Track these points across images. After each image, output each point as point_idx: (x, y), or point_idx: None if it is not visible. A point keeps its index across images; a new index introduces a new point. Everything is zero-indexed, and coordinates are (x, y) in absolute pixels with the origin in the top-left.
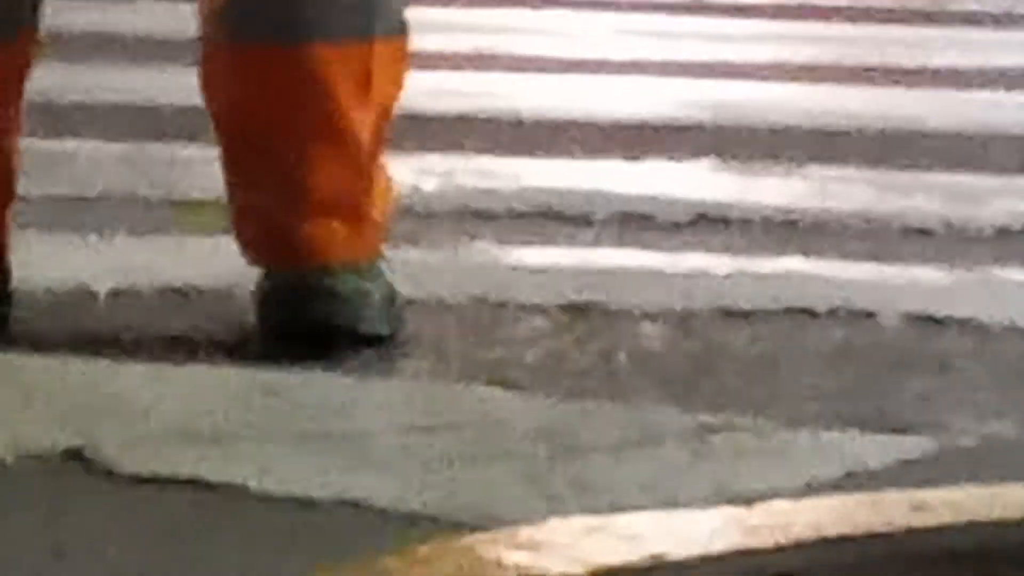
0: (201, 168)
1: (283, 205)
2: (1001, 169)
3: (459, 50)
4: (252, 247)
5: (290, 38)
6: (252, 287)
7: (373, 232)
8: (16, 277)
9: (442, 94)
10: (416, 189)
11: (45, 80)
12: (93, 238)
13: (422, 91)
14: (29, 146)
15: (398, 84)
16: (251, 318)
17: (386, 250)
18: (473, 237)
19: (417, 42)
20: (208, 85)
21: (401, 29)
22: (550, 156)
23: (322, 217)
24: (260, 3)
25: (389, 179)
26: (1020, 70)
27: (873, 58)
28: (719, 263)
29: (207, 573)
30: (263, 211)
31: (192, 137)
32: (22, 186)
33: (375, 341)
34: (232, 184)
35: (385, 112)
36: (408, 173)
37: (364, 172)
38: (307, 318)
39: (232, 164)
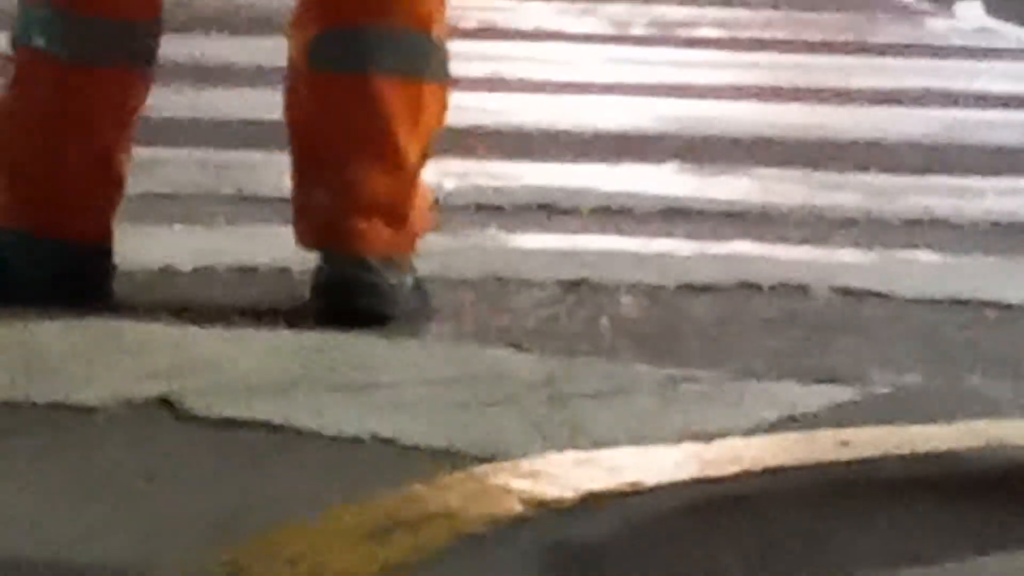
0: (264, 170)
1: (339, 204)
2: (910, 170)
3: (474, 75)
4: (309, 236)
5: (360, 69)
6: (307, 268)
7: (410, 233)
8: (118, 258)
9: (459, 110)
10: (439, 188)
11: None
12: (178, 227)
13: None
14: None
15: (440, 120)
16: (305, 292)
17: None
18: (484, 226)
19: None
20: (291, 105)
21: (446, 78)
22: (546, 161)
23: (370, 217)
24: (340, 42)
25: (428, 192)
26: (922, 90)
27: (806, 81)
28: (683, 247)
29: (271, 497)
30: (322, 208)
31: (257, 145)
32: None
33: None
34: (299, 184)
35: (428, 140)
36: (433, 175)
37: (408, 185)
38: (352, 307)
39: (301, 168)
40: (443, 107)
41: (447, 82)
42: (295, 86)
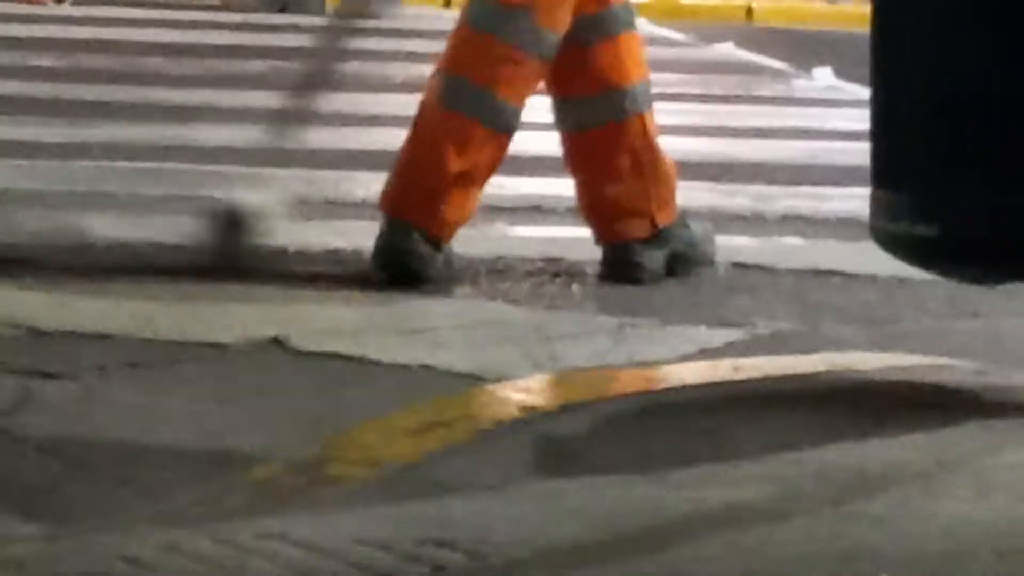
0: (347, 183)
1: (600, 206)
2: (783, 182)
3: None
4: (596, 231)
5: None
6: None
7: (653, 214)
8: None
9: None
10: None
11: None
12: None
13: None
14: None
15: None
16: (369, 268)
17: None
18: (493, 221)
19: None
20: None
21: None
22: (534, 176)
23: (625, 217)
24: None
25: (668, 167)
26: (791, 128)
27: (712, 122)
28: None
29: (348, 406)
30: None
31: (332, 167)
32: None
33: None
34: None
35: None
36: None
37: (648, 190)
38: (625, 276)
39: (578, 183)
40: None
41: (648, 112)
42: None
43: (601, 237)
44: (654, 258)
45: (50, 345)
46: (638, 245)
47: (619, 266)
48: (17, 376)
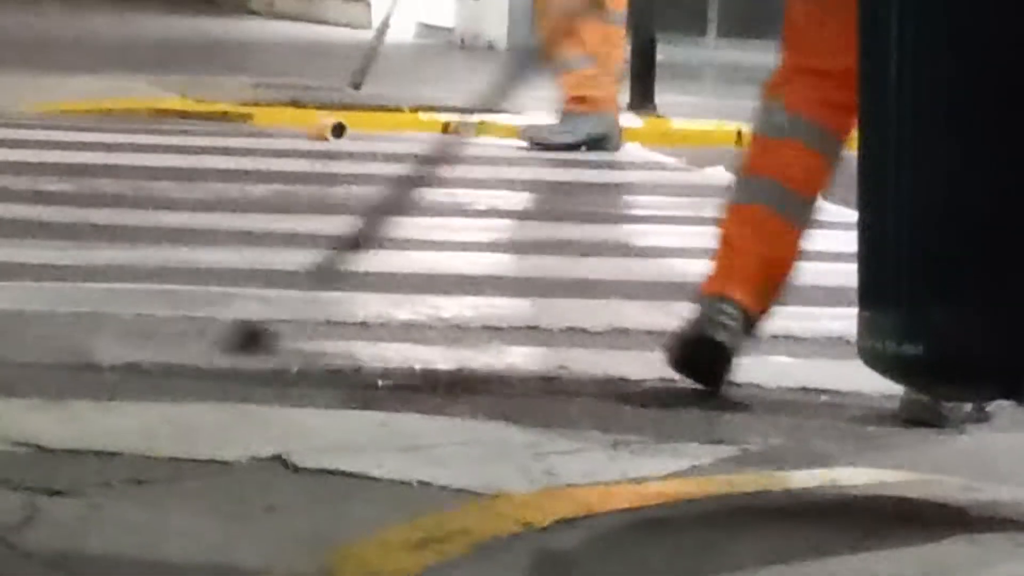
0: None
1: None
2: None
3: (485, 239)
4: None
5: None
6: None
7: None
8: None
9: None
10: (460, 315)
11: None
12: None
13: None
14: None
15: None
16: (366, 381)
17: None
18: (489, 341)
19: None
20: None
21: None
22: (530, 296)
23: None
24: None
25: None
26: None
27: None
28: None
29: (349, 521)
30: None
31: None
32: None
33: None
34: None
35: None
36: (458, 307)
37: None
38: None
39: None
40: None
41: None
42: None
43: None
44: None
45: (56, 462)
46: None
47: None
48: (24, 493)
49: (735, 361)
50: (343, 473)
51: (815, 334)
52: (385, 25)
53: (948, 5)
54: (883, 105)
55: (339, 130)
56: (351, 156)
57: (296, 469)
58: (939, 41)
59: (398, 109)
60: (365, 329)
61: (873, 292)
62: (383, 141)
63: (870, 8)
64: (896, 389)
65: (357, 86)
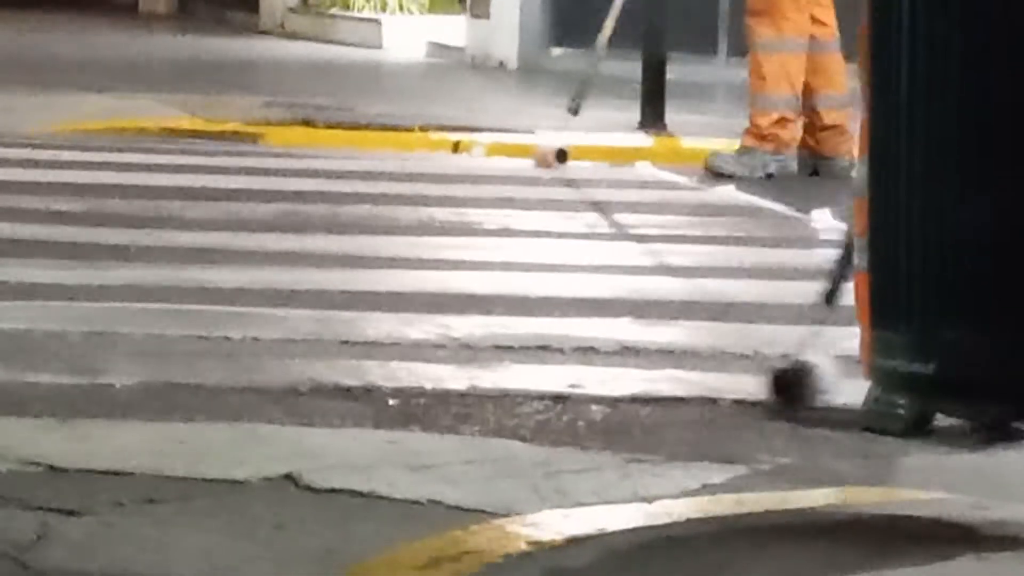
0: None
1: None
2: (788, 321)
3: (495, 260)
4: None
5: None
6: (380, 385)
7: None
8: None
9: (484, 282)
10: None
11: None
12: (299, 359)
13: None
14: None
15: None
16: (387, 401)
17: None
18: (501, 360)
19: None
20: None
21: None
22: (541, 316)
23: None
24: None
25: None
26: (802, 268)
27: (713, 262)
28: (631, 373)
29: (360, 540)
30: None
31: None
32: None
33: None
34: None
35: None
36: (469, 326)
37: None
38: None
39: None
40: None
41: None
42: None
43: None
44: None
45: (69, 482)
46: None
47: None
48: (37, 512)
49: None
50: (353, 492)
51: (824, 353)
52: (603, 48)
53: (957, 30)
54: (894, 125)
55: (563, 156)
56: (361, 175)
57: (307, 488)
58: (949, 66)
59: (408, 128)
60: (376, 348)
61: (884, 311)
62: (393, 160)
63: (879, 38)
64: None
65: (575, 111)
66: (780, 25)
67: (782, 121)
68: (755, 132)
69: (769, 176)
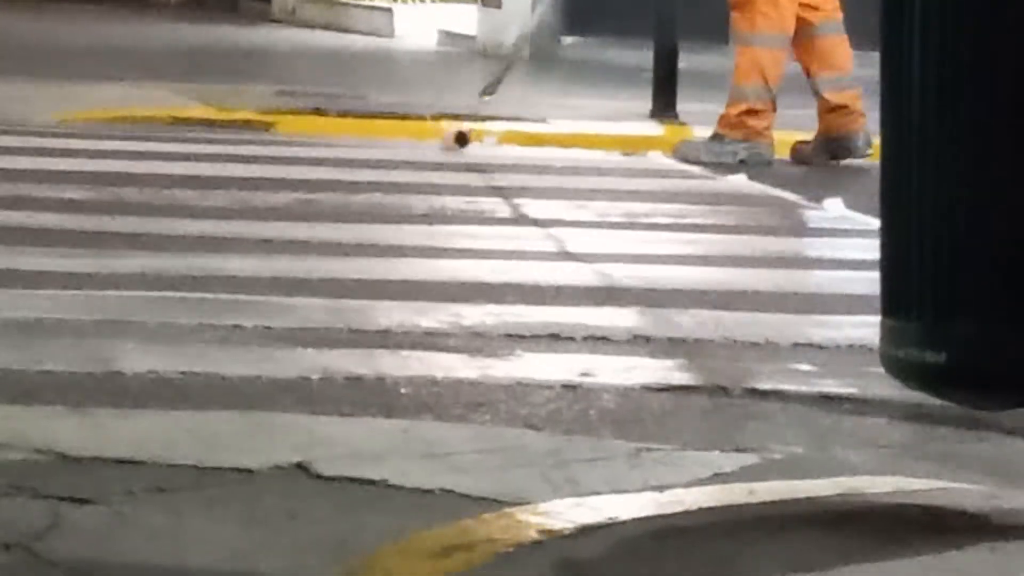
0: (371, 312)
1: None
2: (793, 311)
3: (506, 248)
4: None
5: None
6: (374, 376)
7: None
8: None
9: (495, 272)
10: (483, 323)
11: None
12: (310, 350)
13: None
14: None
15: None
16: (400, 392)
17: None
18: (512, 348)
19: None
20: None
21: None
22: (553, 305)
23: None
24: None
25: None
26: (802, 256)
27: (724, 251)
28: (643, 362)
29: (372, 529)
30: None
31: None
32: None
33: None
34: None
35: None
36: (479, 314)
37: None
38: None
39: None
40: None
41: None
42: None
43: None
44: None
45: (80, 470)
46: None
47: None
48: (47, 501)
49: None
50: (365, 481)
51: (837, 342)
52: (524, 40)
53: (969, 27)
54: (907, 116)
55: (463, 139)
56: (372, 164)
57: (318, 477)
58: (961, 60)
59: (419, 117)
60: (387, 337)
61: (896, 300)
62: (404, 149)
63: (890, 35)
64: (920, 397)
65: (490, 94)
66: (755, 20)
67: (750, 111)
68: (725, 120)
69: (741, 162)
